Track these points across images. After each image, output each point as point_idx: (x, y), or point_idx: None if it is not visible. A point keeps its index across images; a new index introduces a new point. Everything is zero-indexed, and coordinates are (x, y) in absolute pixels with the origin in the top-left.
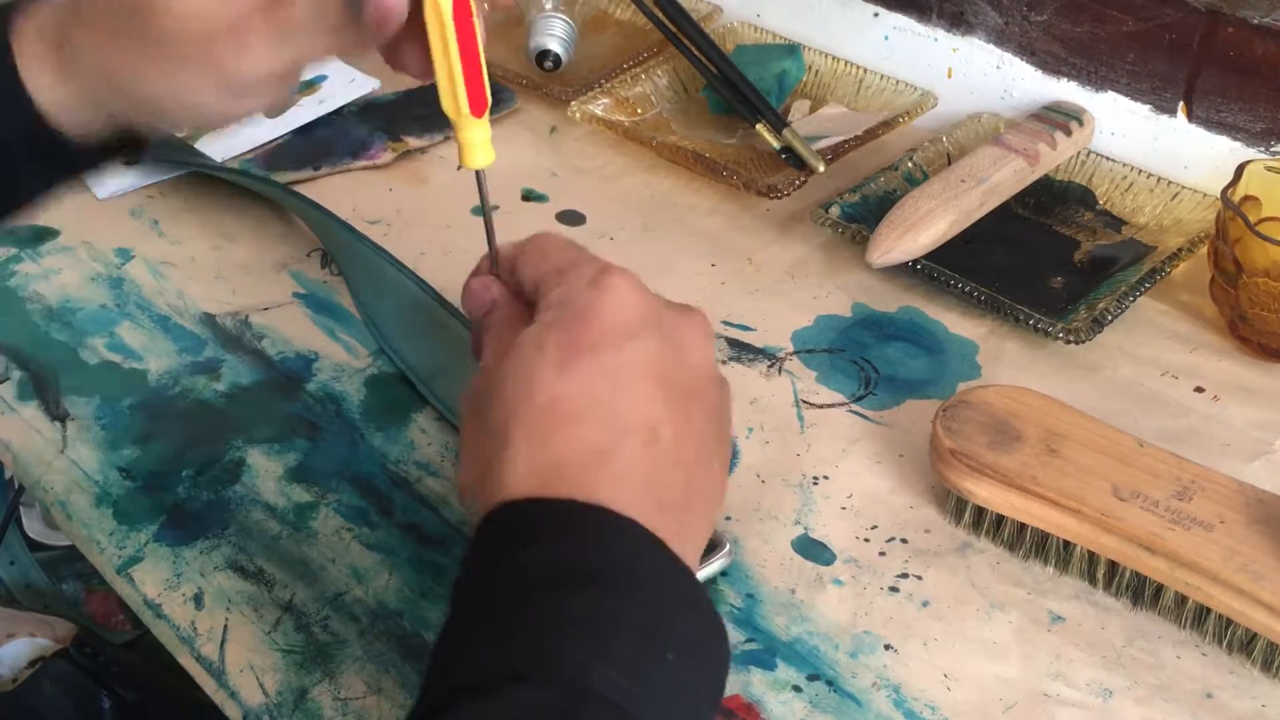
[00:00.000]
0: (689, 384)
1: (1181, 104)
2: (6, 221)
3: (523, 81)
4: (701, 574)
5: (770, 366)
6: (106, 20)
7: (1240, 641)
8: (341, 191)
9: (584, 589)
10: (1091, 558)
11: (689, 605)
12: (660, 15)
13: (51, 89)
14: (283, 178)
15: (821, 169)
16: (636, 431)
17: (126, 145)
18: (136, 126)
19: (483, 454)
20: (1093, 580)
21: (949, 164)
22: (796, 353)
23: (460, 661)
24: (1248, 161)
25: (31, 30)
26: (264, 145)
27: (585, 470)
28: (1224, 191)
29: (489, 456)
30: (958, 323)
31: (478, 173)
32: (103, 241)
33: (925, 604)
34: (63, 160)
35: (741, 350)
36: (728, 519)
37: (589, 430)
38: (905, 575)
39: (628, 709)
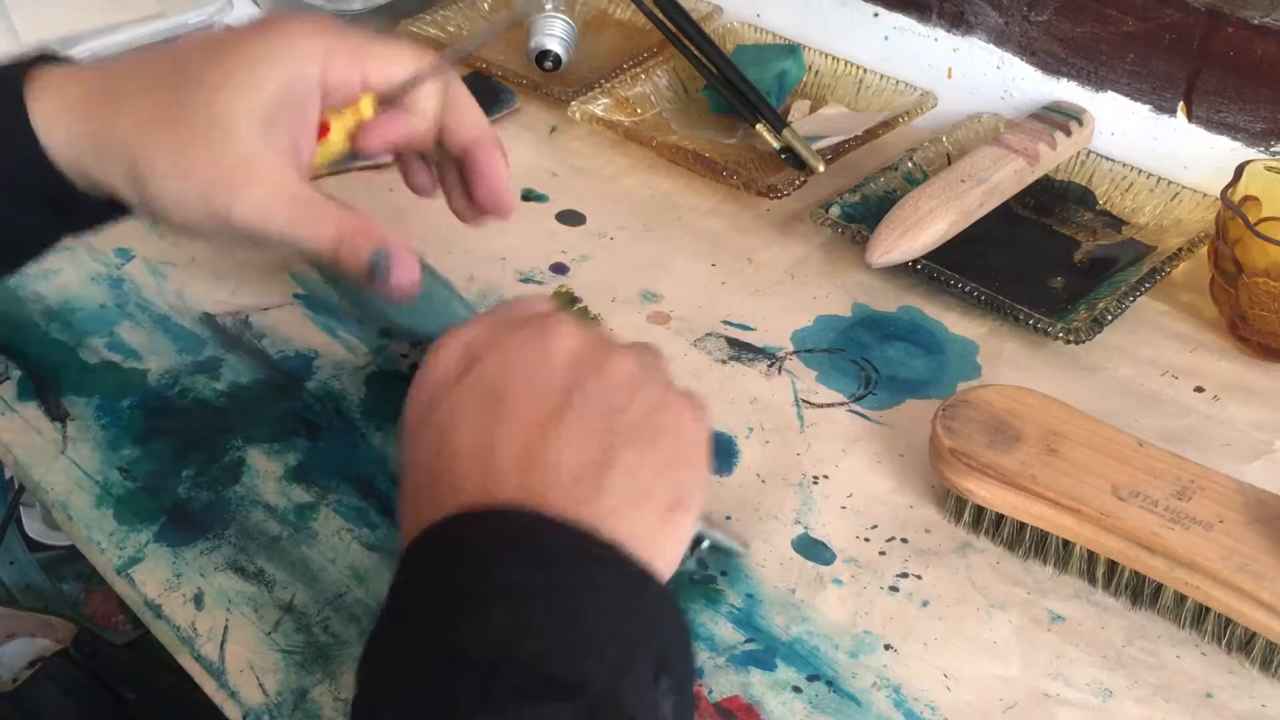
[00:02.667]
0: (546, 379)
1: (1181, 104)
2: (11, 273)
3: (523, 81)
4: (708, 537)
5: (770, 366)
6: (151, 105)
7: (1240, 641)
8: (342, 193)
9: (449, 574)
10: (1091, 557)
11: (592, 558)
12: (660, 15)
13: (62, 147)
14: None
15: (821, 169)
16: (473, 452)
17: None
18: (119, 199)
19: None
20: (1092, 580)
21: (949, 164)
22: (796, 352)
23: (360, 681)
24: (1248, 161)
25: (50, 78)
26: None
27: (441, 509)
28: (1224, 191)
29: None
30: (958, 323)
31: None
32: (102, 241)
33: (925, 604)
34: (72, 213)
35: (741, 350)
36: (728, 519)
37: (434, 479)
38: (905, 575)
39: (511, 658)
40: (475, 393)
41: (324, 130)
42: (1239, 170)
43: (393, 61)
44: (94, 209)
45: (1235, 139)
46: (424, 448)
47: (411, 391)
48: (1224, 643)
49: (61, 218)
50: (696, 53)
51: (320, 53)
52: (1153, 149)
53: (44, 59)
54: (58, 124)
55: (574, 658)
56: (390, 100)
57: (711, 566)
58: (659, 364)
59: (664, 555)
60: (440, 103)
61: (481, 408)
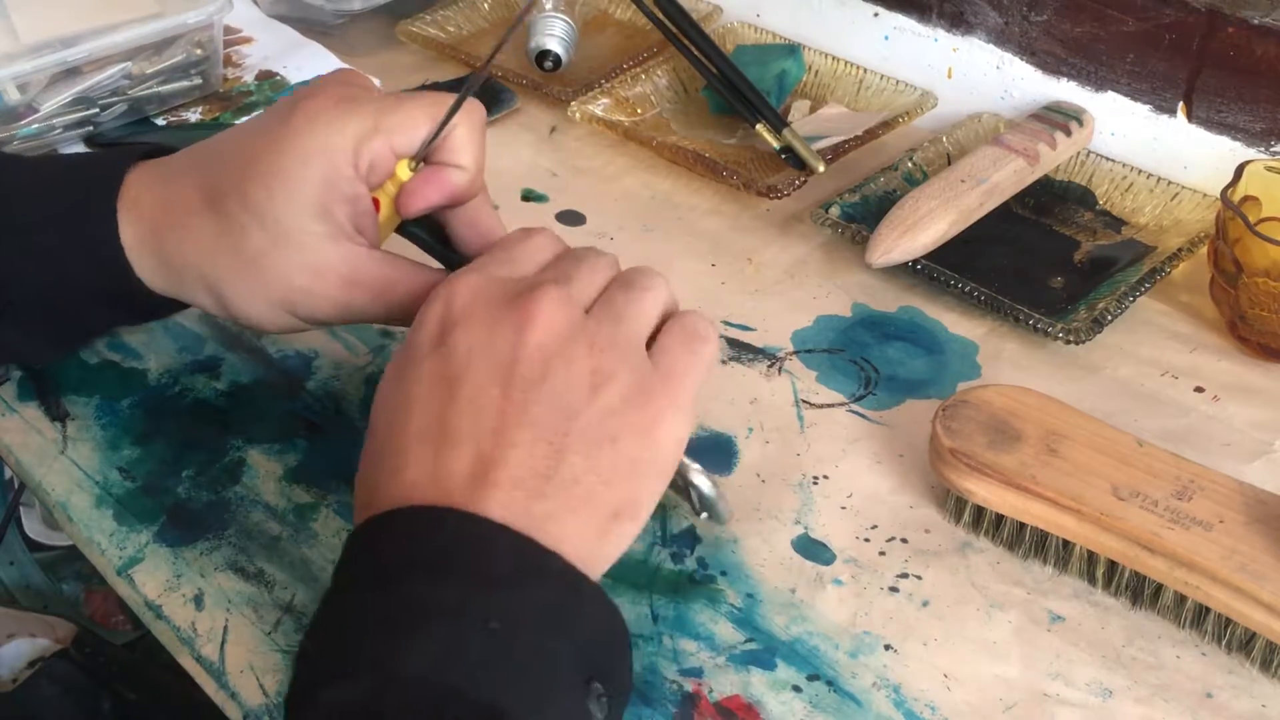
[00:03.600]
0: (509, 369)
1: (1181, 104)
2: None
3: (523, 81)
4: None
5: (770, 366)
6: (210, 231)
7: (1240, 641)
8: None
9: (391, 584)
10: (1091, 557)
11: (528, 574)
12: (660, 15)
13: (147, 273)
14: None
15: (821, 169)
16: (422, 437)
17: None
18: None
19: None
20: (1092, 580)
21: (949, 164)
22: (796, 353)
23: (294, 672)
24: (1248, 161)
25: (133, 196)
26: None
27: (386, 492)
28: (1224, 191)
29: None
30: (958, 323)
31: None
32: None
33: (925, 604)
34: (141, 308)
35: (741, 350)
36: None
37: (382, 456)
38: (905, 575)
39: (438, 683)
40: (437, 373)
41: (376, 206)
42: (1239, 170)
43: (408, 123)
44: (164, 308)
45: (1235, 139)
46: (384, 418)
47: (396, 349)
48: (1224, 643)
49: (136, 314)
50: (696, 53)
51: (347, 143)
52: (1153, 149)
53: (147, 152)
54: (136, 253)
55: (499, 684)
56: (427, 158)
57: (709, 563)
58: (643, 310)
59: (599, 560)
60: (478, 149)
61: (440, 391)
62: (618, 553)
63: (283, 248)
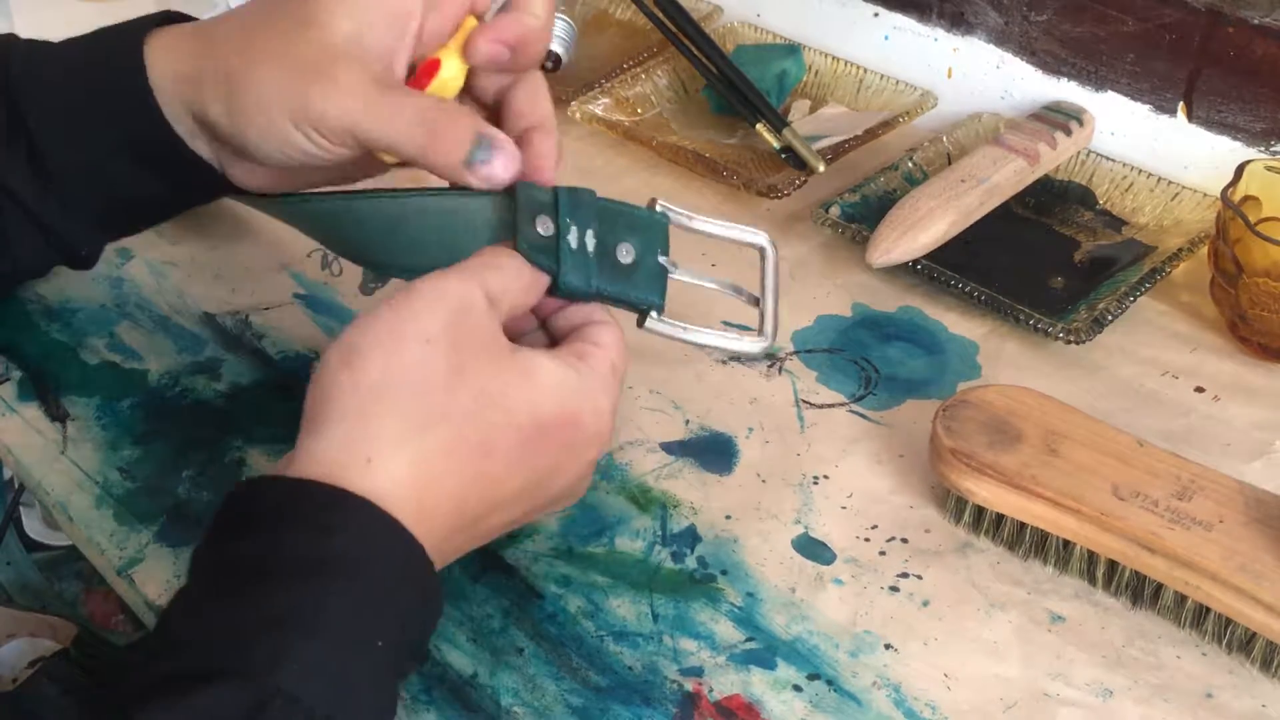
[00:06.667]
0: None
1: (1181, 104)
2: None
3: None
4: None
5: (770, 366)
6: (253, 19)
7: (1240, 641)
8: None
9: (295, 581)
10: (1091, 557)
11: (413, 582)
12: (660, 15)
13: (172, 97)
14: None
15: (821, 169)
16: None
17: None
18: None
19: None
20: (1092, 580)
21: (949, 164)
22: (796, 353)
23: (169, 649)
24: (1248, 161)
25: (160, 44)
26: None
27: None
28: (1224, 191)
29: None
30: (958, 323)
31: None
32: None
33: (925, 603)
34: (180, 178)
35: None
36: (728, 518)
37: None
38: (905, 575)
39: (313, 705)
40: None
41: (435, 67)
42: (1239, 170)
43: None
44: (197, 173)
45: (1235, 139)
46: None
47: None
48: (1224, 643)
49: (171, 181)
50: (696, 53)
51: None
52: (1153, 149)
53: (167, 18)
54: (167, 73)
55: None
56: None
57: (709, 562)
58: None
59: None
60: (550, 2)
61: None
62: None
63: (314, 29)
